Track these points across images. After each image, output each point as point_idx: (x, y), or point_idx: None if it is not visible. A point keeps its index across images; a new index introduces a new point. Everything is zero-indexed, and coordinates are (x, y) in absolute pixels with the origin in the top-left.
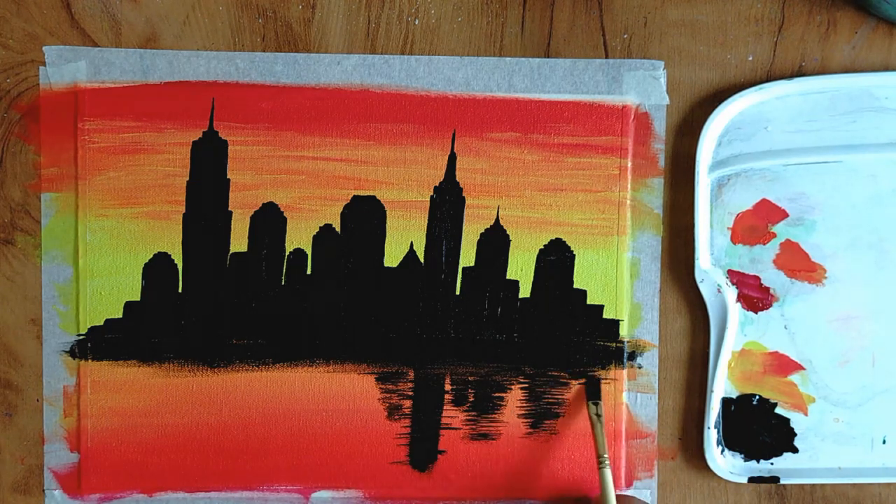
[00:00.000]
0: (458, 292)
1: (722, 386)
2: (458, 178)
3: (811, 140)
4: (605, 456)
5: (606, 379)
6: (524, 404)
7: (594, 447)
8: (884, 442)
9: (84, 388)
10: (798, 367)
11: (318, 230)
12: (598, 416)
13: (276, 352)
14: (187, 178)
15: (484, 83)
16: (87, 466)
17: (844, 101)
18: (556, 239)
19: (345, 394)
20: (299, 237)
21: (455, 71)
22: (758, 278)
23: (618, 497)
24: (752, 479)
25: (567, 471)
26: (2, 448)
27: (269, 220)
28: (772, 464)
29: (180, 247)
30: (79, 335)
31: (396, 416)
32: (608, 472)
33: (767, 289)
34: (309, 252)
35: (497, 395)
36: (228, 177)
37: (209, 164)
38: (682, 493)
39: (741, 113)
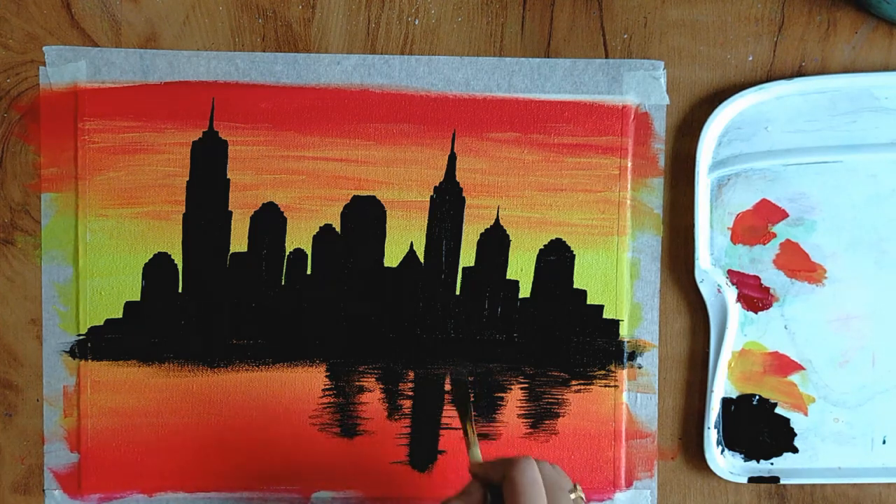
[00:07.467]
0: (458, 292)
1: (722, 386)
2: (458, 178)
3: (811, 140)
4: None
5: (606, 379)
6: (524, 404)
7: (468, 459)
8: (884, 442)
9: (84, 388)
10: (798, 367)
11: (318, 230)
12: (475, 435)
13: (276, 352)
14: (187, 178)
15: (484, 83)
16: (87, 466)
17: (844, 101)
18: (556, 239)
19: None
20: (299, 237)
21: (455, 71)
22: (758, 278)
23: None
24: (752, 479)
25: (566, 471)
26: (2, 448)
27: (269, 220)
28: (772, 464)
29: (180, 247)
30: (79, 335)
31: (396, 416)
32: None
33: (767, 289)
34: (309, 252)
35: (497, 395)
36: (228, 177)
37: (209, 164)
38: (682, 493)
39: (741, 113)
